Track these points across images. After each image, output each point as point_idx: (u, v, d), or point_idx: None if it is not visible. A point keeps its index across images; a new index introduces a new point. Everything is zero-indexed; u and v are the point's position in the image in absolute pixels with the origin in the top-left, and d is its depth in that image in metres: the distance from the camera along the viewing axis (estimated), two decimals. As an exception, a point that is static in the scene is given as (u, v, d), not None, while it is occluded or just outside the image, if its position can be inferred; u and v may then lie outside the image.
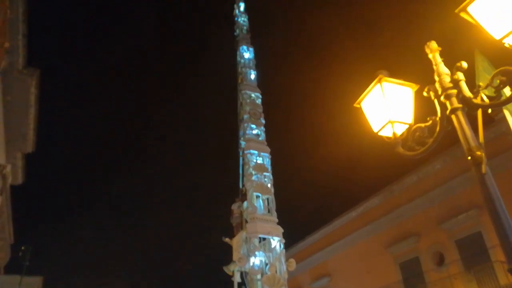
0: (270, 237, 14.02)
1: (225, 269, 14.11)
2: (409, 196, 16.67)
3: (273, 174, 15.73)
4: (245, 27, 21.30)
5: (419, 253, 16.05)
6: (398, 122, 3.34)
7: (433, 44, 3.30)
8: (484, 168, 2.85)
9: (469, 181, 13.57)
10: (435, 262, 15.46)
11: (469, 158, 2.89)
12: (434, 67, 3.21)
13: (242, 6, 22.40)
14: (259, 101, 18.09)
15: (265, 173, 15.51)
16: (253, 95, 18.16)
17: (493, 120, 12.21)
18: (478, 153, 2.86)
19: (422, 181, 16.26)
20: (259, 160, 15.86)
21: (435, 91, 3.15)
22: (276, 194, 15.18)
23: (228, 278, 14.18)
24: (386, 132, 3.41)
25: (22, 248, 18.92)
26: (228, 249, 14.85)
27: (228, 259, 14.47)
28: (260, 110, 17.68)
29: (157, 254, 62.68)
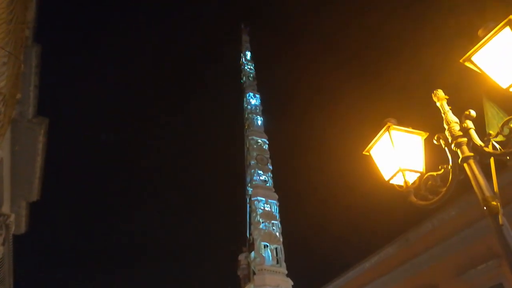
0: (279, 289, 13.39)
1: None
2: (425, 245, 15.93)
3: (281, 221, 15.38)
4: (251, 75, 21.94)
5: (438, 307, 15.08)
6: (409, 170, 3.25)
7: (440, 93, 3.29)
8: (501, 219, 2.71)
9: (486, 228, 13.01)
10: (456, 317, 14.46)
11: (485, 208, 2.76)
12: (443, 115, 3.18)
13: (248, 54, 23.24)
14: (266, 146, 18.16)
15: (273, 221, 15.18)
16: (260, 140, 18.26)
17: (506, 165, 11.98)
18: (494, 203, 2.74)
19: (438, 229, 15.62)
20: (267, 207, 15.59)
21: (445, 139, 3.10)
22: (285, 243, 14.71)
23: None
24: (397, 181, 3.31)
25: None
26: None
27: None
28: (267, 155, 17.68)
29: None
